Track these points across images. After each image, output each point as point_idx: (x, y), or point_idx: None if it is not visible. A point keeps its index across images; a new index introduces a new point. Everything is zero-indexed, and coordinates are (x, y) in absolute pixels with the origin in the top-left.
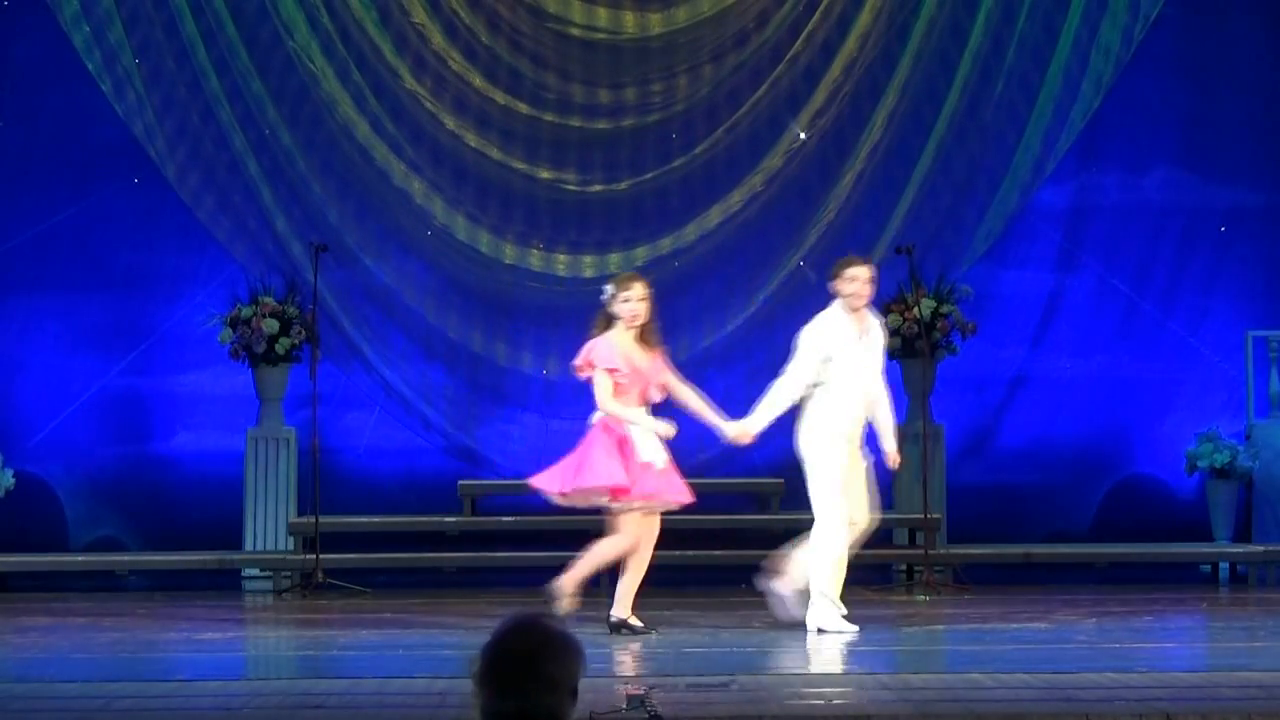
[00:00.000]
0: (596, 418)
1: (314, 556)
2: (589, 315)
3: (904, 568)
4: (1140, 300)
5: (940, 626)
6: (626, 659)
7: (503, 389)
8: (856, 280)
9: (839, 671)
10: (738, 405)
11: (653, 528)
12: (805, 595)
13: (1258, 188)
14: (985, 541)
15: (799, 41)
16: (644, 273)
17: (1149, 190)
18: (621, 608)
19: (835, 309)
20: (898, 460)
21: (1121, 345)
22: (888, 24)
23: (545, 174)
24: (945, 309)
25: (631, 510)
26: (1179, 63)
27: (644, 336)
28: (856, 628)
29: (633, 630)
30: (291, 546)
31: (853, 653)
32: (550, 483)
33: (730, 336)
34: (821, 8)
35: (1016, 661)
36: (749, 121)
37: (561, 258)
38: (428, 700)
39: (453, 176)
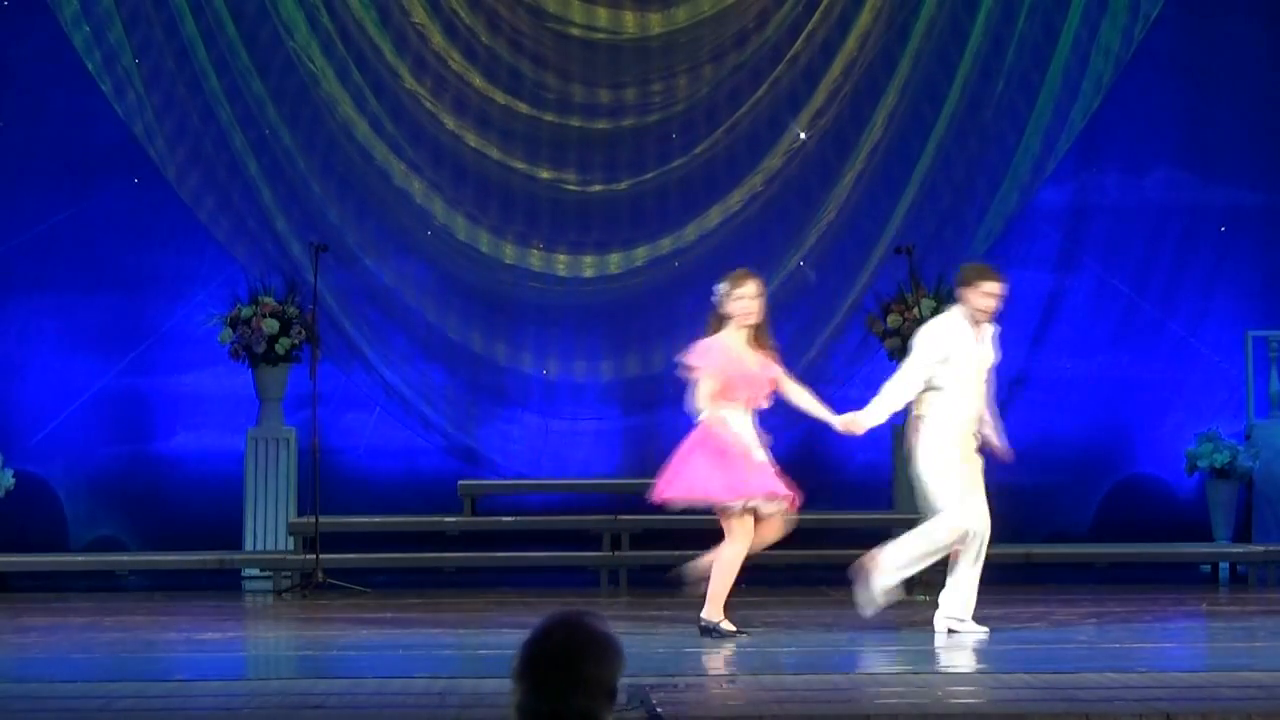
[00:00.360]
0: (701, 418)
1: (314, 556)
2: (588, 315)
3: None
4: (1140, 300)
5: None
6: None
7: (503, 389)
8: (991, 296)
9: (838, 672)
10: None
11: (760, 526)
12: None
13: (1258, 188)
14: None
15: (799, 41)
16: (643, 272)
17: (1149, 190)
18: (712, 610)
19: (955, 313)
20: (1008, 454)
21: (1121, 345)
22: (887, 24)
23: (545, 174)
24: (945, 309)
25: (736, 511)
26: (1179, 63)
27: (756, 337)
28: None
29: (723, 634)
30: (291, 546)
31: (853, 653)
32: (663, 491)
33: None
34: (821, 8)
35: (1016, 661)
36: (749, 121)
37: (561, 258)
38: (428, 700)
39: (453, 176)
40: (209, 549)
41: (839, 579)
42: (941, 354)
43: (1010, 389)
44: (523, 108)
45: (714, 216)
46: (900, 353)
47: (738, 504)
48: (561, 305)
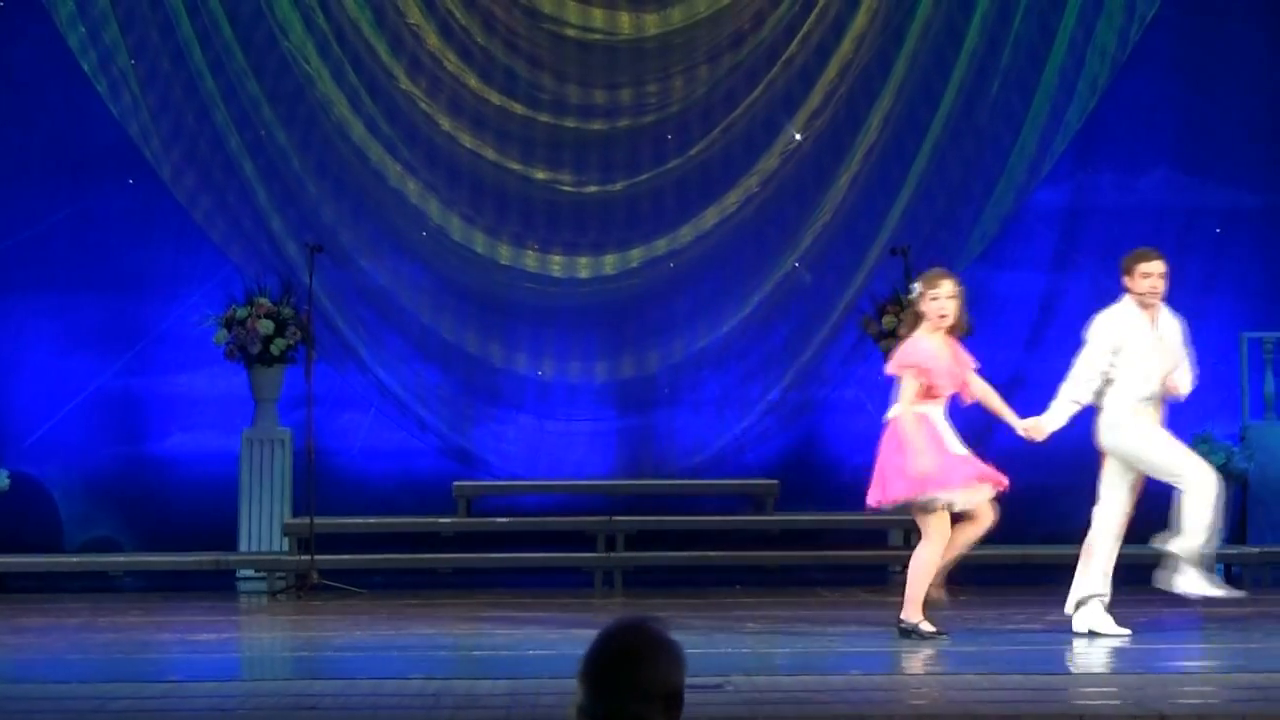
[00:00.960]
0: (891, 414)
1: (309, 557)
2: (583, 316)
3: (900, 569)
4: None
5: (929, 626)
6: None
7: (498, 390)
8: (1150, 276)
9: (834, 673)
10: (733, 406)
11: (965, 521)
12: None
13: (1254, 189)
14: (982, 542)
15: (794, 43)
16: (639, 274)
17: (1145, 191)
18: (912, 610)
19: (1125, 302)
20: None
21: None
22: (883, 26)
23: (541, 175)
24: None
25: (935, 509)
26: (1175, 64)
27: (952, 333)
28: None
29: (923, 636)
30: (286, 547)
31: (848, 654)
32: (873, 496)
33: (725, 338)
34: (817, 9)
35: (1012, 663)
36: (745, 123)
37: (557, 258)
38: (422, 701)
39: (448, 177)
40: (204, 550)
41: (833, 580)
42: (1113, 345)
43: (1007, 390)
44: (518, 108)
45: (709, 218)
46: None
47: (935, 499)
48: (557, 306)
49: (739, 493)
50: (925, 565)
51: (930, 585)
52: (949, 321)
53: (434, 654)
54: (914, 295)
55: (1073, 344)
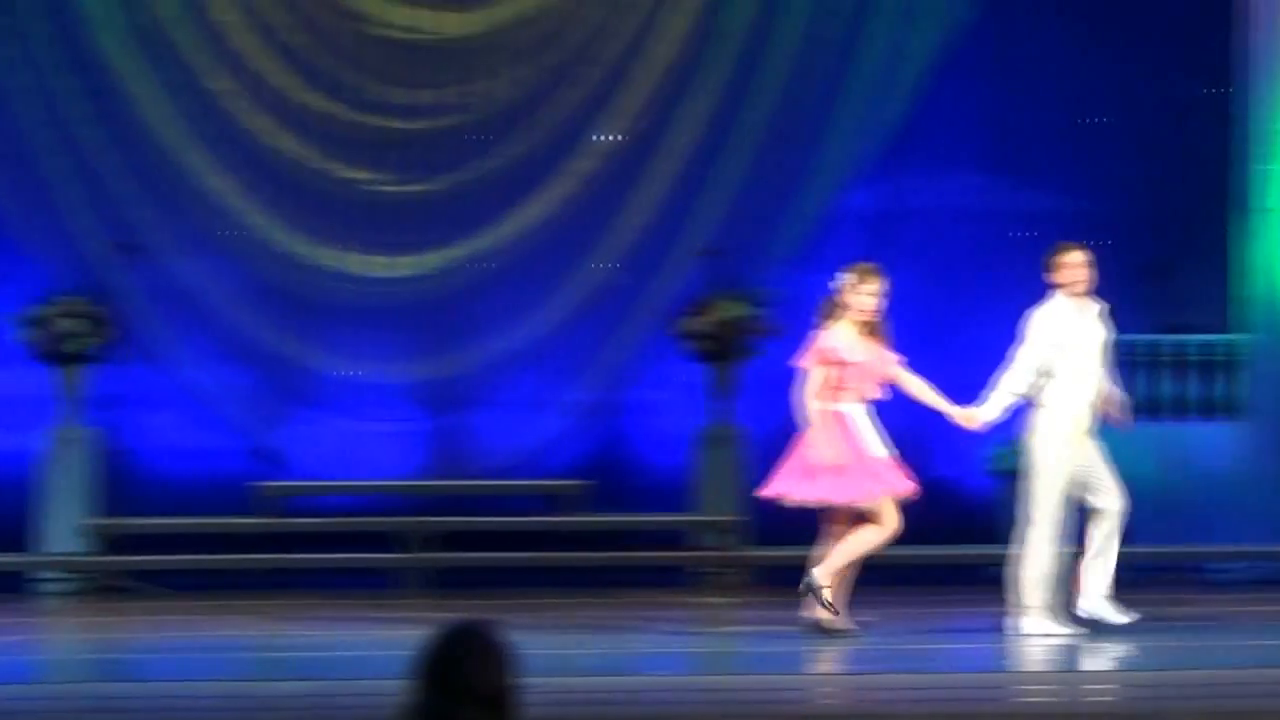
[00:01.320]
0: (812, 410)
1: (112, 559)
2: (396, 316)
3: (705, 570)
4: (944, 303)
5: (739, 629)
6: None
7: (309, 390)
8: (1074, 267)
9: (637, 674)
10: (543, 408)
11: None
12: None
13: (1058, 192)
14: (788, 543)
15: (608, 43)
16: (452, 274)
17: (954, 194)
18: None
19: (1056, 298)
20: (1126, 415)
21: (927, 347)
22: (699, 27)
23: (357, 174)
24: (751, 312)
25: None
26: (985, 68)
27: (871, 330)
28: (1075, 630)
29: (822, 601)
30: (89, 549)
31: (659, 654)
32: (782, 489)
33: (535, 339)
34: (635, 10)
35: (811, 663)
36: (558, 123)
37: (368, 259)
38: (223, 703)
39: (259, 176)
40: (2, 551)
41: (640, 581)
42: (1051, 339)
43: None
44: (332, 107)
45: (522, 218)
46: (706, 355)
47: (864, 504)
48: (369, 307)
49: (547, 494)
50: (863, 543)
51: (838, 613)
52: (873, 317)
53: (237, 656)
54: (839, 285)
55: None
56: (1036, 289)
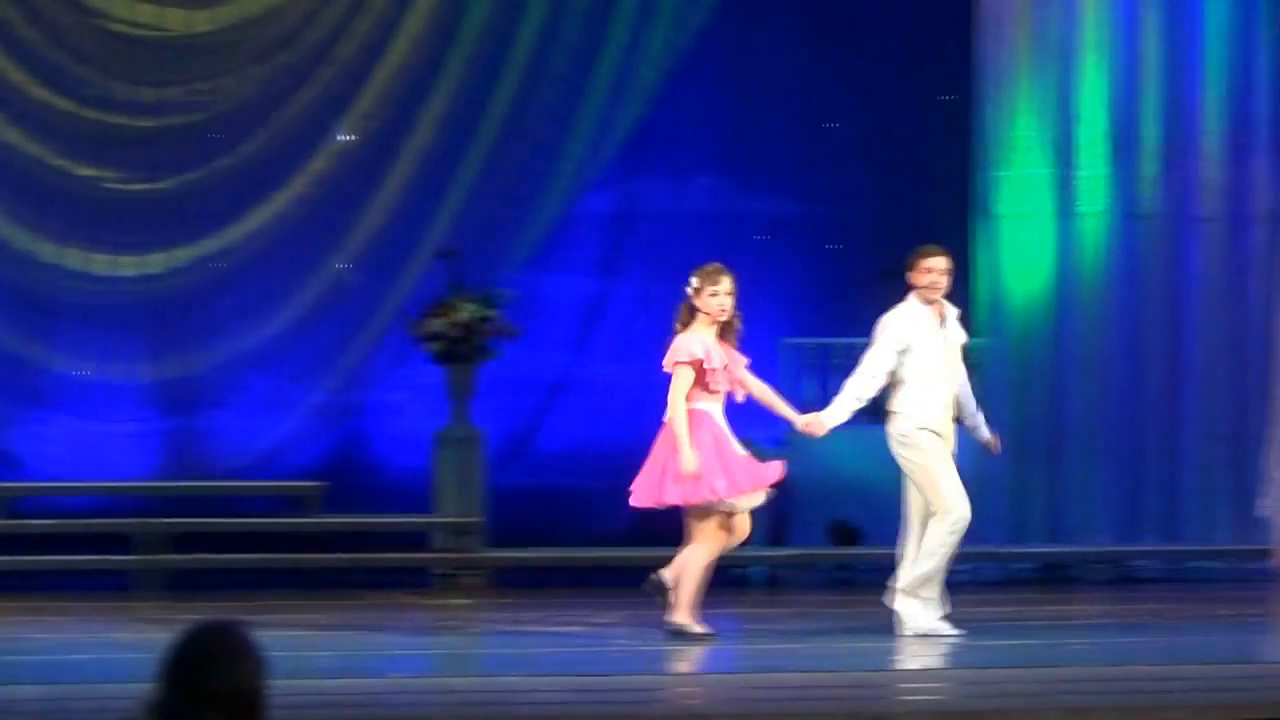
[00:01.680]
0: (669, 414)
1: None
2: (128, 316)
3: (443, 571)
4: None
5: (479, 630)
6: None
7: (38, 390)
8: (933, 271)
9: (376, 675)
10: (279, 409)
11: (736, 521)
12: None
13: (794, 197)
14: (524, 545)
15: (346, 43)
16: (186, 273)
17: (691, 198)
18: (682, 614)
19: (910, 301)
20: (997, 444)
21: (662, 351)
22: (435, 27)
23: (86, 171)
24: (488, 313)
25: (716, 511)
26: (722, 72)
27: (724, 333)
28: (957, 631)
29: (694, 636)
30: None
31: (399, 655)
32: (646, 497)
33: (272, 339)
34: (370, 10)
35: (553, 665)
36: (295, 122)
37: (101, 257)
38: None
39: None
40: None
41: (377, 583)
42: (900, 344)
43: (552, 393)
44: (64, 103)
45: (258, 218)
46: (442, 356)
47: (726, 504)
48: (100, 305)
49: (283, 495)
50: (697, 566)
51: (688, 622)
52: (726, 316)
53: None
54: (690, 290)
55: (619, 348)
56: (776, 291)
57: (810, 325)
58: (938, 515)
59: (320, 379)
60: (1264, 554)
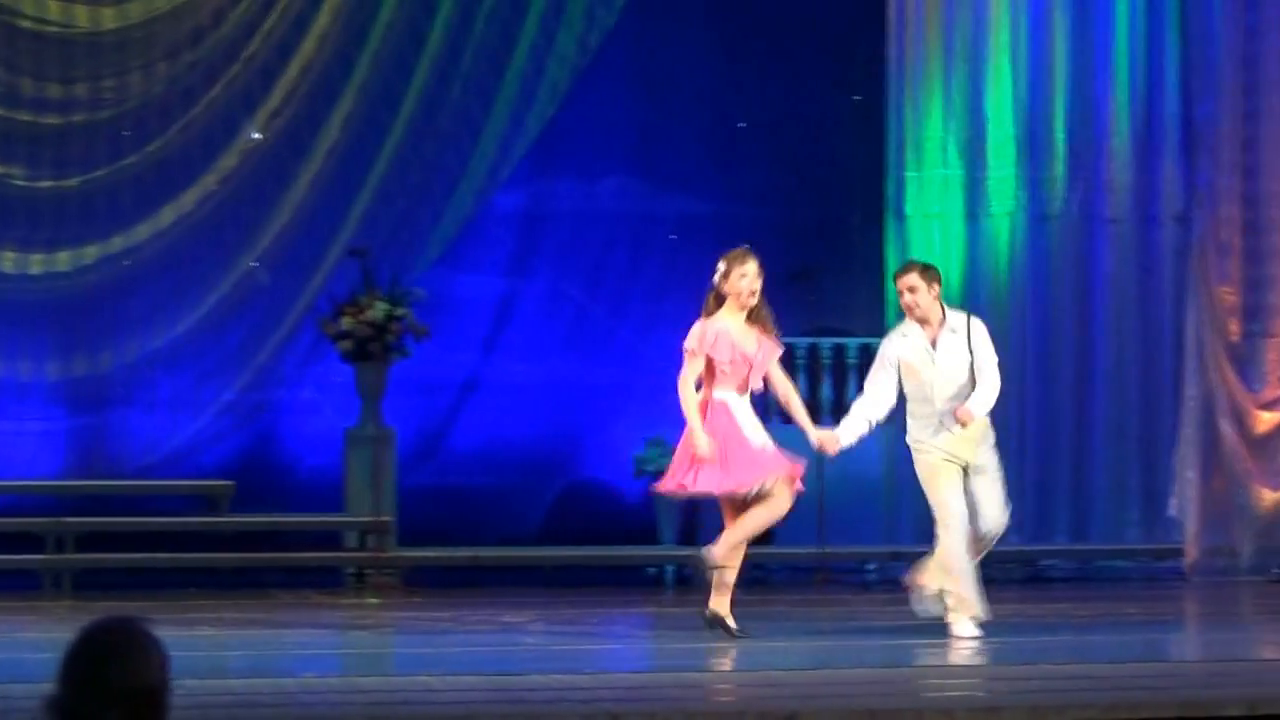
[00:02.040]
0: (701, 400)
1: None
2: (35, 314)
3: (354, 571)
4: (592, 306)
5: (390, 629)
6: None
7: None
8: (903, 291)
9: (286, 675)
10: (188, 407)
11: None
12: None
13: (705, 197)
14: (436, 544)
15: (255, 40)
16: (94, 271)
17: (602, 197)
18: (720, 603)
19: (906, 321)
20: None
21: (572, 350)
22: (345, 25)
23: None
24: (399, 312)
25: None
26: (632, 72)
27: (755, 317)
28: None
29: (728, 630)
30: None
31: (310, 655)
32: (675, 482)
33: (181, 338)
34: (278, 7)
35: (466, 664)
36: (204, 120)
37: (9, 255)
38: None
39: None
40: None
41: (288, 582)
42: (891, 361)
43: (462, 393)
44: None
45: (167, 216)
46: (353, 355)
47: (754, 490)
48: (8, 303)
49: (193, 494)
50: (756, 522)
51: (728, 615)
52: (754, 301)
53: None
54: (717, 275)
55: (529, 347)
56: (688, 292)
57: None
58: (939, 525)
59: (231, 377)
60: (1174, 553)
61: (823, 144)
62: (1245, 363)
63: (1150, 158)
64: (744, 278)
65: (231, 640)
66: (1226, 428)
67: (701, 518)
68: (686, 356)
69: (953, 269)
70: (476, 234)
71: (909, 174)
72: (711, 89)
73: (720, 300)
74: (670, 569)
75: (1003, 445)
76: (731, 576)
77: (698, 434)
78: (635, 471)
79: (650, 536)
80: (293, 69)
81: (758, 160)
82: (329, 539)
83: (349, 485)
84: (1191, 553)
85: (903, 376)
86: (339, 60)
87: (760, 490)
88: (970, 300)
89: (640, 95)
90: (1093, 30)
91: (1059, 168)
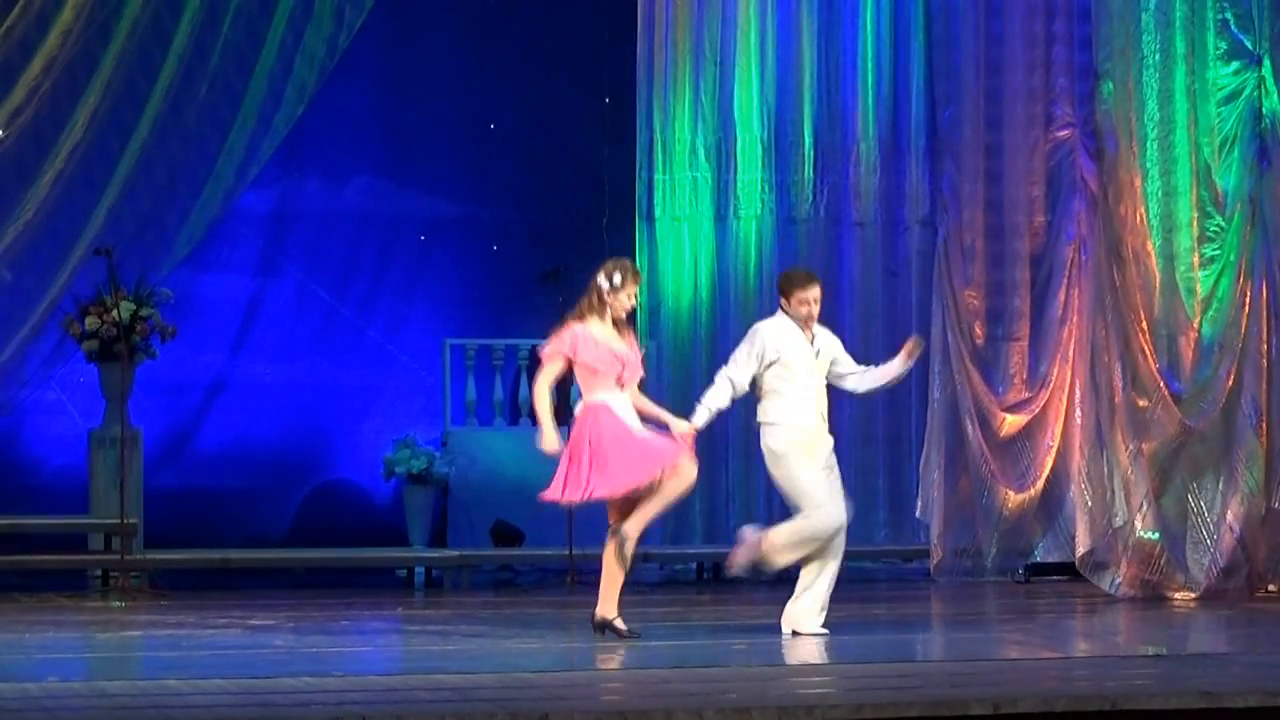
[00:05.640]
0: (578, 409)
1: None
2: None
3: (99, 573)
4: (340, 306)
5: (137, 633)
6: None
7: None
8: (804, 303)
9: (30, 680)
10: None
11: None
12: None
13: (455, 199)
14: (183, 546)
15: None
16: None
17: (350, 198)
18: (607, 606)
19: (780, 316)
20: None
21: (321, 351)
22: (89, 22)
23: None
24: (145, 312)
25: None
26: (382, 72)
27: (618, 325)
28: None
29: (617, 632)
30: None
31: (54, 660)
32: (571, 492)
33: None
34: (21, 3)
35: (213, 667)
36: None
37: None
38: None
39: None
40: None
41: (32, 585)
42: (768, 356)
43: (209, 393)
44: None
45: None
46: (98, 355)
47: (653, 482)
48: None
49: None
50: (667, 497)
51: (618, 618)
52: (624, 314)
53: None
54: (607, 286)
55: (277, 348)
56: (437, 292)
57: (472, 326)
58: (804, 515)
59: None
60: (921, 554)
61: (573, 145)
62: (989, 366)
63: (896, 162)
64: (631, 298)
65: (94, 641)
66: (972, 430)
67: (452, 521)
68: (544, 360)
69: (702, 271)
70: (224, 234)
71: (658, 176)
72: (462, 90)
73: (596, 308)
74: (420, 571)
75: (746, 446)
76: (619, 580)
77: (547, 432)
78: (385, 473)
79: (400, 538)
80: (35, 66)
81: (508, 161)
82: (74, 541)
83: (94, 487)
84: (937, 554)
85: (779, 371)
86: (84, 57)
87: (653, 481)
88: (719, 302)
89: (389, 95)
90: (840, 36)
91: (806, 171)
